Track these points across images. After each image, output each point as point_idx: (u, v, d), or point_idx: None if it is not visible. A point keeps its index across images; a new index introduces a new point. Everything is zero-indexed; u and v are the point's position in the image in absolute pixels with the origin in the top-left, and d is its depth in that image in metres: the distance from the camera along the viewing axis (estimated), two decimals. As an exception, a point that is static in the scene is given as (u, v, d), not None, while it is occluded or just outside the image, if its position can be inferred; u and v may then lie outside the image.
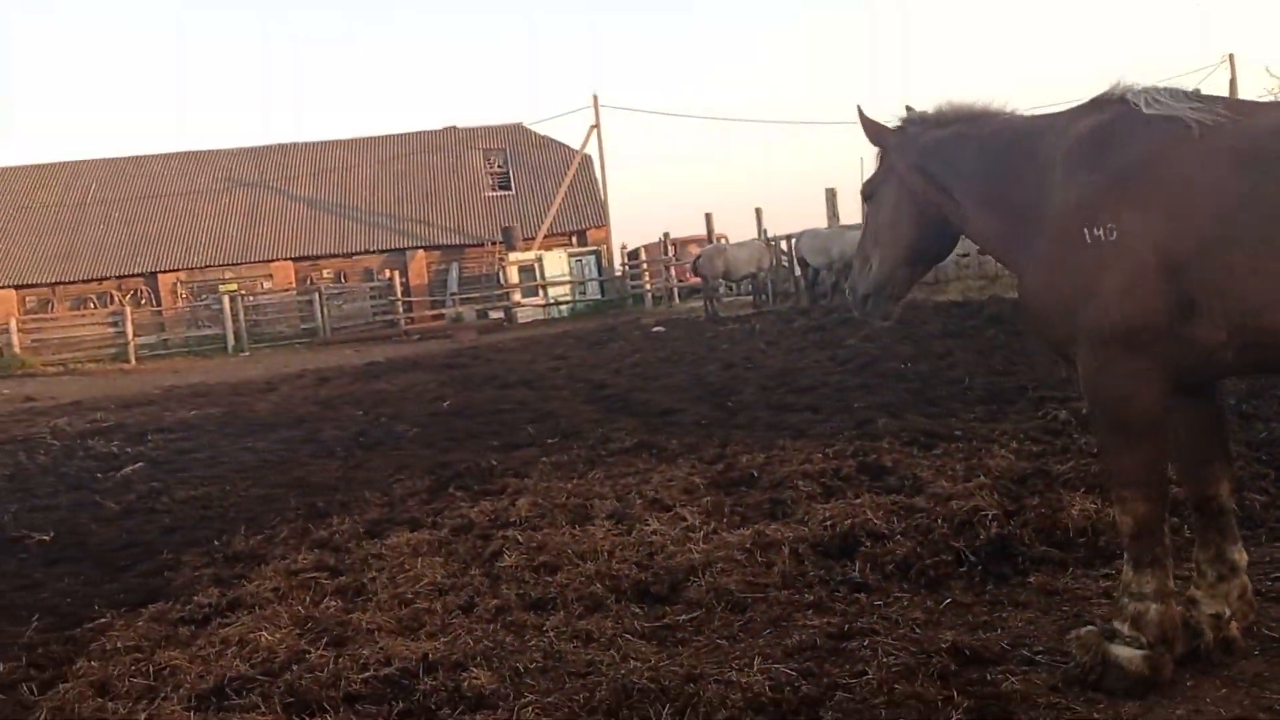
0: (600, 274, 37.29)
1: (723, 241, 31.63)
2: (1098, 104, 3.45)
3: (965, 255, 23.01)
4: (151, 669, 4.24)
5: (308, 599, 5.00)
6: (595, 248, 38.33)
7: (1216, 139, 3.11)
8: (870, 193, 4.18)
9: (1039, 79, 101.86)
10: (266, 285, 37.71)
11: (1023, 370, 9.72)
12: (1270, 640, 3.59)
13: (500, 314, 33.54)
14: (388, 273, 36.90)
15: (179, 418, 13.52)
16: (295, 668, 4.08)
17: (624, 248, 39.64)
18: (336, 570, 5.48)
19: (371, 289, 36.58)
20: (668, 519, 5.64)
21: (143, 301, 37.00)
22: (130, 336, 31.35)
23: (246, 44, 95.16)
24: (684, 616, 4.33)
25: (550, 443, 8.90)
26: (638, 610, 4.48)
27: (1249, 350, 3.08)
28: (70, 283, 37.70)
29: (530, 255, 35.98)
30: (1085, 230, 3.20)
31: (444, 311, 34.95)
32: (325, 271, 38.37)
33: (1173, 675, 3.31)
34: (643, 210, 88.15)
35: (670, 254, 37.44)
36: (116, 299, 36.77)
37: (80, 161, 42.38)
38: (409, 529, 6.17)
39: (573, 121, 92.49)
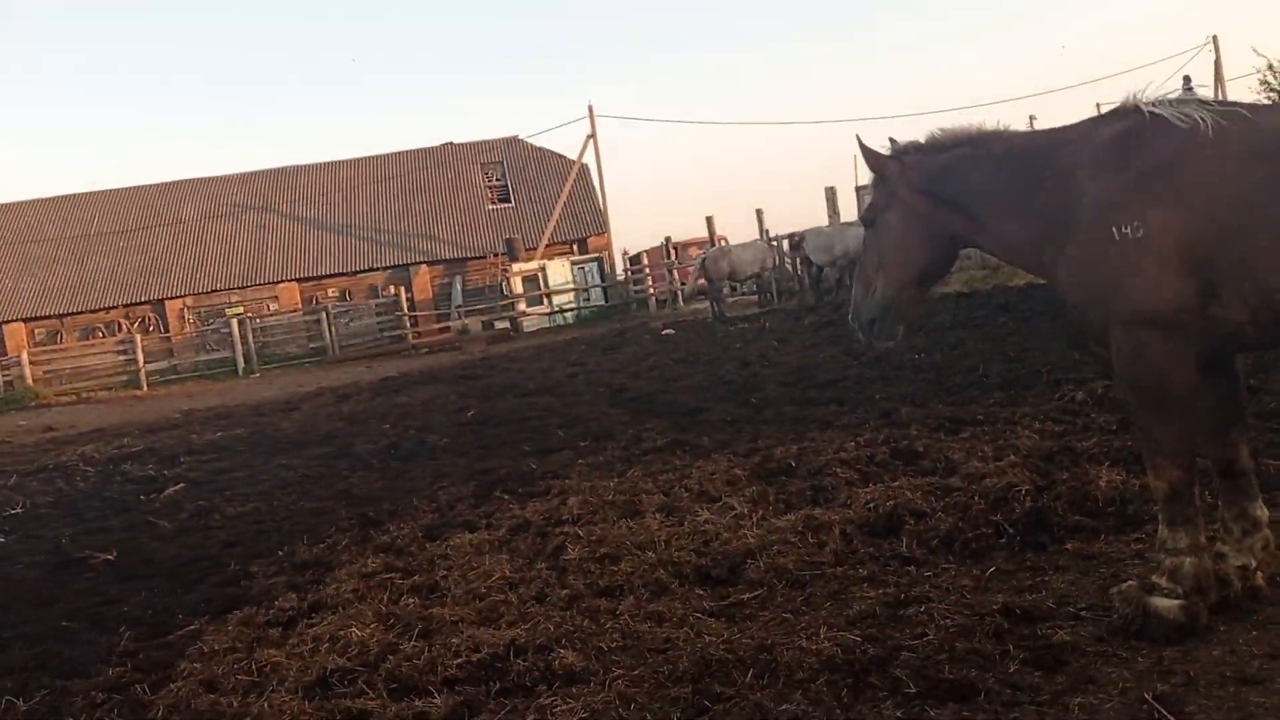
0: (603, 280, 37.70)
1: (724, 243, 31.96)
2: (1117, 114, 3.80)
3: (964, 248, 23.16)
4: (254, 666, 4.54)
5: (385, 598, 5.29)
6: (597, 255, 38.70)
7: (1230, 139, 3.48)
8: (872, 219, 4.34)
9: (1023, 71, 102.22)
10: (273, 307, 37.99)
11: (1035, 355, 10.02)
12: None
13: (506, 324, 33.84)
14: (392, 289, 37.21)
15: (206, 439, 13.78)
16: (391, 658, 4.37)
17: (625, 253, 39.97)
18: (407, 571, 5.76)
19: (377, 305, 36.87)
20: (717, 509, 5.94)
21: (151, 328, 37.28)
22: (141, 363, 31.73)
23: (247, 73, 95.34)
24: (747, 595, 4.63)
25: (583, 445, 9.13)
26: (702, 592, 4.79)
27: (1268, 328, 3.46)
28: (78, 313, 37.98)
29: (533, 265, 36.35)
30: (1114, 229, 3.55)
31: (450, 324, 35.25)
32: (330, 290, 38.62)
33: (1207, 622, 3.64)
34: (643, 216, 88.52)
35: (672, 257, 37.84)
36: (125, 327, 37.03)
37: (82, 194, 42.71)
38: (467, 530, 6.46)
39: (571, 132, 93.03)
